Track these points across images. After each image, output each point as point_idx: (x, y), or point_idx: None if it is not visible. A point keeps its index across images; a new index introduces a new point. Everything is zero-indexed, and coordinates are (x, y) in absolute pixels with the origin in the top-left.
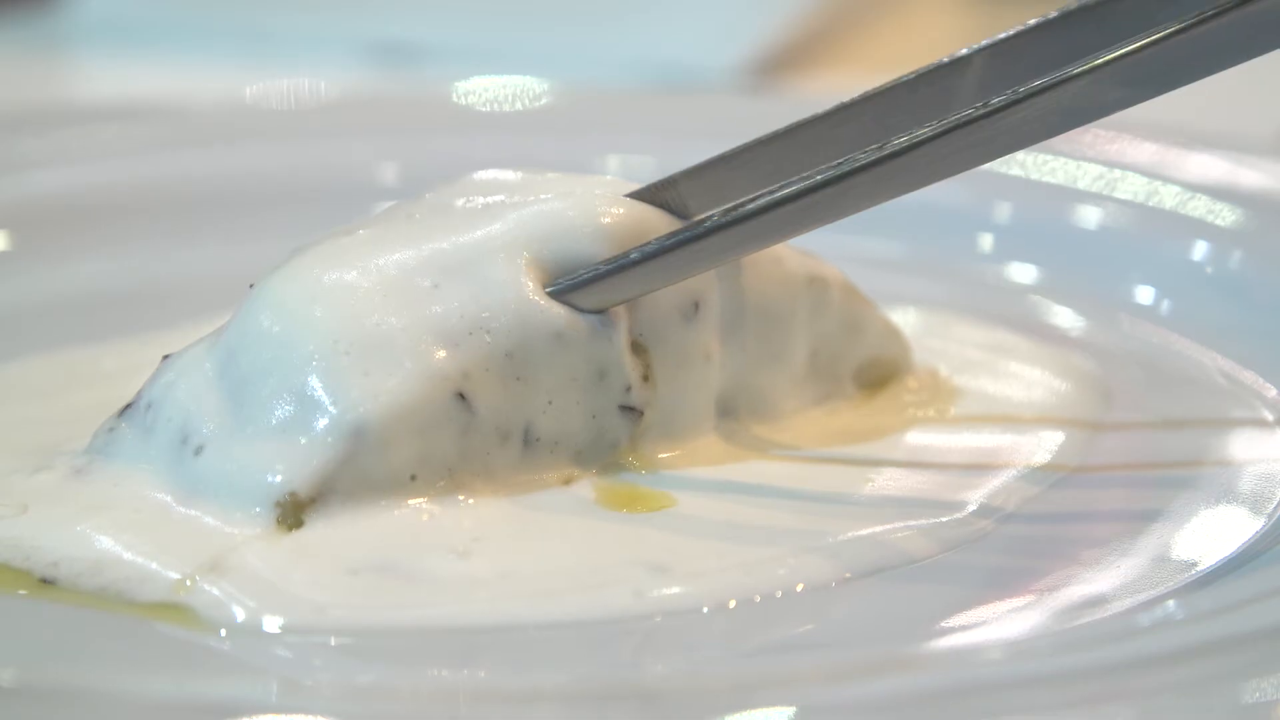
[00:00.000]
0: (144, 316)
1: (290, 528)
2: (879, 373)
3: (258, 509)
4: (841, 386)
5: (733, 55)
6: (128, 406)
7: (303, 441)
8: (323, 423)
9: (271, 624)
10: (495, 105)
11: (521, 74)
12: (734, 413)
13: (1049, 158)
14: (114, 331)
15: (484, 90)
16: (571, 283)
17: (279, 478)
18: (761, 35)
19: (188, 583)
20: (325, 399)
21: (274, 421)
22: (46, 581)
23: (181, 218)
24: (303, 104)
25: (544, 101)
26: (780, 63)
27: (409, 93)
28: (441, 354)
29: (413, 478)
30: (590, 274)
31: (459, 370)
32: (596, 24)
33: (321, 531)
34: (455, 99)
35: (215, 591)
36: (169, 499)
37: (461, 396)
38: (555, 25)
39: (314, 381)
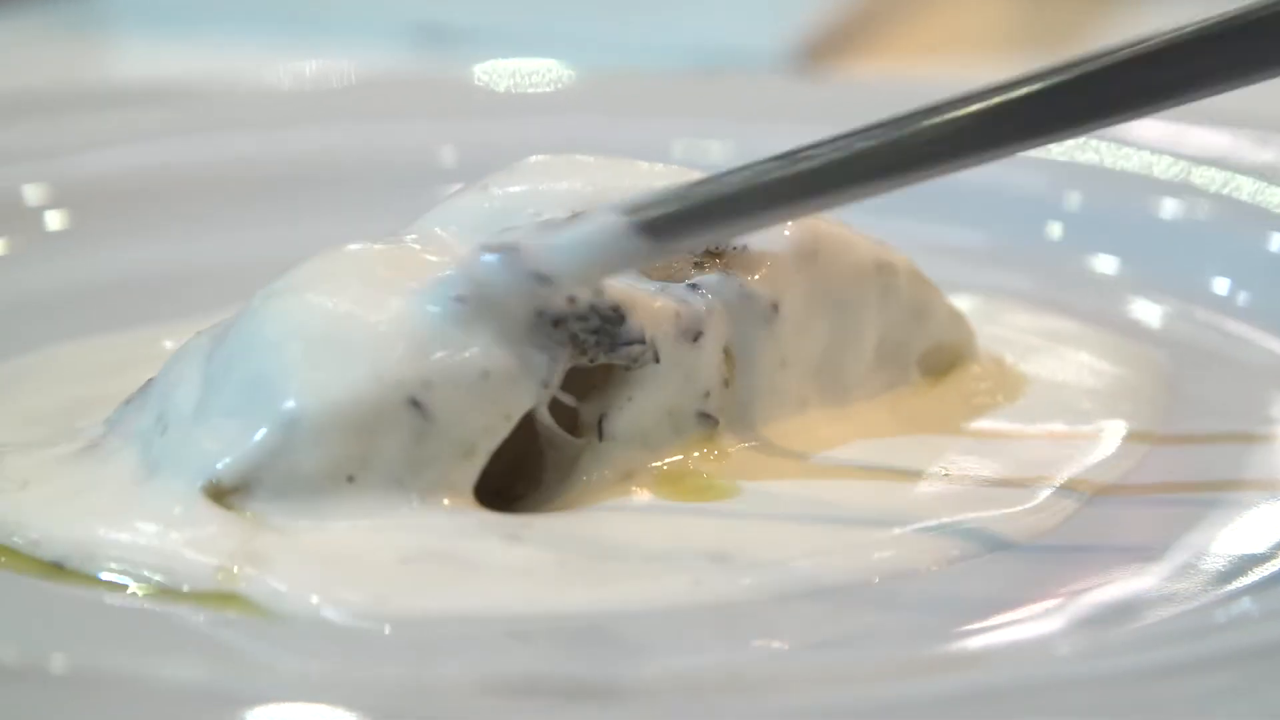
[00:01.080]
0: (206, 297)
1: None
2: (943, 359)
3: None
4: (907, 373)
5: (779, 39)
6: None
7: (238, 428)
8: (259, 410)
9: (332, 613)
10: (541, 88)
11: (565, 57)
12: (803, 403)
13: (1123, 145)
14: (176, 313)
15: (530, 73)
16: (663, 214)
17: (210, 462)
18: (807, 19)
19: (235, 569)
20: (269, 387)
21: (225, 406)
22: (56, 566)
23: (236, 199)
24: (350, 85)
25: (588, 85)
26: (826, 47)
27: (451, 75)
28: (400, 357)
29: (350, 479)
30: (681, 205)
31: (418, 377)
32: (642, 7)
33: (360, 520)
34: (499, 82)
35: (265, 581)
36: (139, 477)
37: (416, 404)
38: (600, 8)
39: (265, 369)
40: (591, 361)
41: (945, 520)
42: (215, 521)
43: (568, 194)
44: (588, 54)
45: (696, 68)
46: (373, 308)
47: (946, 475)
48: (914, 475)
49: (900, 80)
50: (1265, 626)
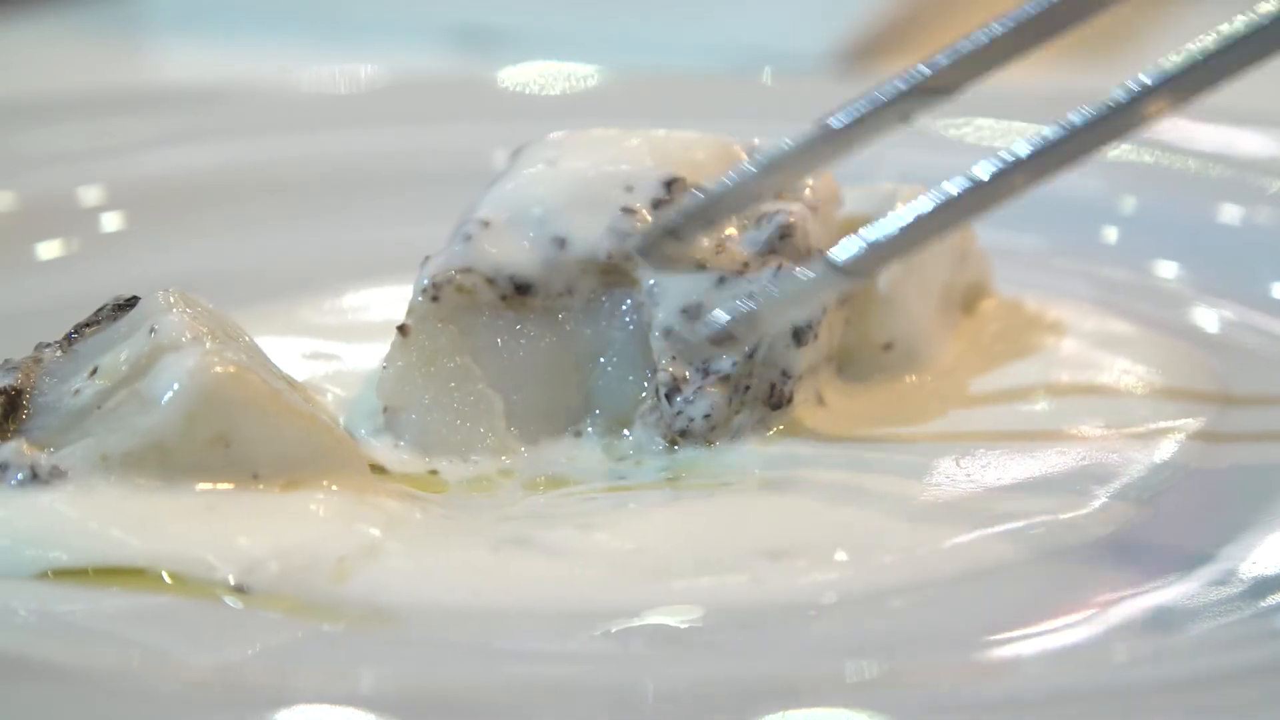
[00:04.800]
0: (254, 293)
1: None
2: (973, 296)
3: None
4: (953, 316)
5: (821, 40)
6: None
7: None
8: None
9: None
10: (578, 90)
11: (604, 58)
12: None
13: (1179, 151)
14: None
15: (567, 75)
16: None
17: None
18: (850, 20)
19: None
20: None
21: None
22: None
23: (283, 200)
24: (389, 88)
25: (627, 87)
26: (869, 49)
27: (488, 77)
28: None
29: None
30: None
31: None
32: (682, 9)
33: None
34: (536, 85)
35: (372, 578)
36: None
37: None
38: (639, 10)
39: None
40: None
41: (998, 524)
42: None
43: (596, 168)
44: (628, 55)
45: (739, 69)
46: None
47: (1000, 478)
48: (967, 477)
49: None
50: None
